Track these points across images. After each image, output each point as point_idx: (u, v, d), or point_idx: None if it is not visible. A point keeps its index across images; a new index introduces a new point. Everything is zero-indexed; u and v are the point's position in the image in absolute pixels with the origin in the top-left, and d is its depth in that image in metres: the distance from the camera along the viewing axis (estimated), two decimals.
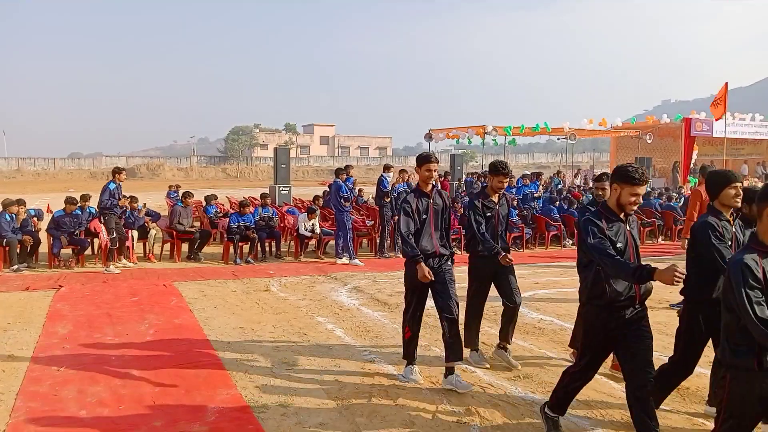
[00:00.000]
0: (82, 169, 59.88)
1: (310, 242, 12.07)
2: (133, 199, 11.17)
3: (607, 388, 4.88)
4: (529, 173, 17.60)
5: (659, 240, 14.72)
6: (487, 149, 26.61)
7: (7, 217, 10.06)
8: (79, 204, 10.85)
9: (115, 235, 9.97)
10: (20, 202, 10.55)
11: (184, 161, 67.03)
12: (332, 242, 11.80)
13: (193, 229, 11.56)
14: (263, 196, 12.32)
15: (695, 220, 7.63)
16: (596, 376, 5.12)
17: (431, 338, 6.15)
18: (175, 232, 11.19)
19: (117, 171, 10.28)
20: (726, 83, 18.11)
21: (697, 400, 4.65)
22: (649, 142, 26.75)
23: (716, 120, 16.16)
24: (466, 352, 5.31)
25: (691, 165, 26.32)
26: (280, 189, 19.54)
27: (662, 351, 5.92)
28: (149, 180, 52.02)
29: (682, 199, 16.15)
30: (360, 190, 17.02)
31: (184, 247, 11.37)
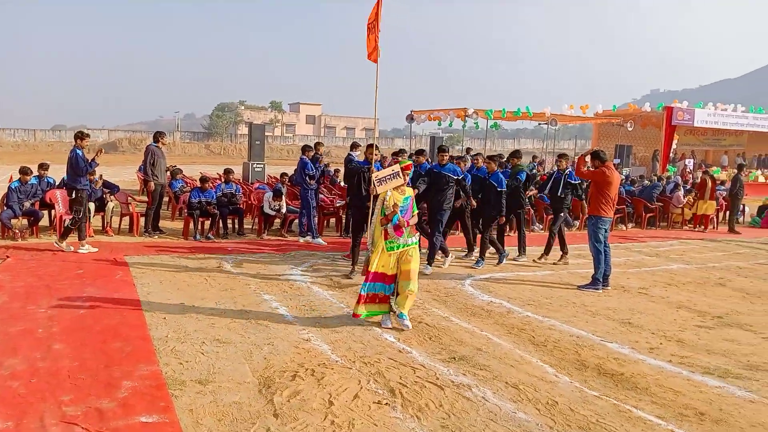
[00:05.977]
0: (63, 142, 58.93)
1: (275, 220, 11.89)
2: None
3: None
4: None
5: (628, 227, 14.66)
6: (474, 133, 26.46)
7: None
8: (35, 174, 10.56)
9: (82, 215, 9.11)
10: None
11: (168, 137, 66.35)
12: (297, 221, 11.61)
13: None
14: (227, 171, 12.06)
15: None
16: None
17: (374, 322, 6.03)
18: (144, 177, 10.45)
19: (80, 136, 9.10)
20: (378, 1, 8.12)
21: (629, 386, 4.56)
22: (629, 129, 26.73)
23: (374, 62, 8.11)
24: None
25: (671, 154, 26.32)
26: (254, 166, 19.29)
27: (604, 336, 5.86)
28: (130, 154, 51.40)
29: (662, 187, 15.92)
30: (336, 171, 16.78)
31: (142, 221, 11.11)
